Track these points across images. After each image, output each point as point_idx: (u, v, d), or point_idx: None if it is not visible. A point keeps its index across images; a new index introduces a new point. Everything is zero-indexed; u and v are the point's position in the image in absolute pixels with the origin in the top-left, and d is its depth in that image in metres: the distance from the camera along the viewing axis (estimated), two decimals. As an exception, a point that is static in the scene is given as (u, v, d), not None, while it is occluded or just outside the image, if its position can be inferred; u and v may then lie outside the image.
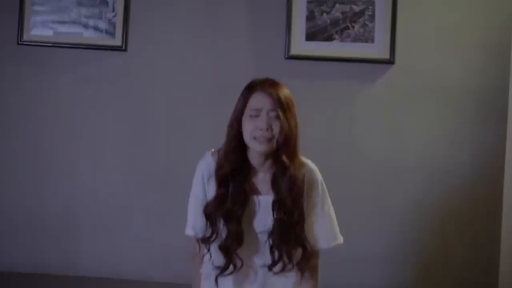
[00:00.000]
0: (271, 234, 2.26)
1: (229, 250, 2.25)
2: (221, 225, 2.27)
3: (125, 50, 3.62)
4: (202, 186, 2.37)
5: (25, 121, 3.64)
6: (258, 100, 2.18)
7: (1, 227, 3.66)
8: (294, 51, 3.59)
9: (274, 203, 2.24)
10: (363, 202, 3.62)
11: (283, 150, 2.21)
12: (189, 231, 2.42)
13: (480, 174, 3.62)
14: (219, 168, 2.28)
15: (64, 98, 3.64)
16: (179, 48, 3.64)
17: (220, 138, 3.57)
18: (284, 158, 2.21)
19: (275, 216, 2.24)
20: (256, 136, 2.17)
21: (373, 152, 3.62)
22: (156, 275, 3.58)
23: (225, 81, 3.62)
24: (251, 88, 2.23)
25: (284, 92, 2.25)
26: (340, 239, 2.48)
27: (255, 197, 2.28)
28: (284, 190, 2.22)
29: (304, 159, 2.35)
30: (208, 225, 2.31)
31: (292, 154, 2.23)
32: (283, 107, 2.19)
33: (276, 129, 2.18)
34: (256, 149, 2.19)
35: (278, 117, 2.17)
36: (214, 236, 2.29)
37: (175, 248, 3.61)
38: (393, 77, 3.61)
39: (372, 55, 3.58)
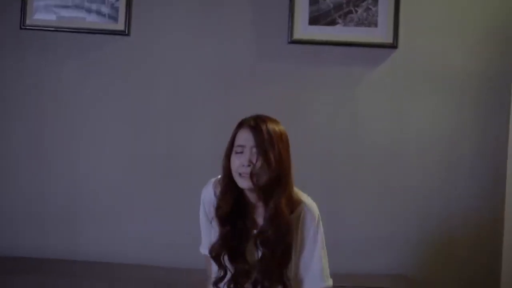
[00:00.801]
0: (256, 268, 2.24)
1: (237, 285, 2.25)
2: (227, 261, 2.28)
3: (128, 34, 3.61)
4: (204, 213, 2.40)
5: (28, 106, 3.64)
6: (242, 137, 2.19)
7: (4, 213, 3.67)
8: (297, 35, 3.58)
9: (256, 236, 2.22)
10: (366, 186, 3.63)
11: (266, 185, 2.17)
12: (203, 250, 2.45)
13: (483, 158, 3.62)
14: (218, 208, 2.28)
15: (66, 83, 3.64)
16: (182, 32, 3.64)
17: (222, 123, 3.60)
18: (266, 193, 2.18)
19: (259, 250, 2.24)
20: (241, 172, 2.16)
21: (376, 136, 3.63)
22: (158, 260, 3.58)
23: (228, 65, 3.62)
24: (238, 126, 2.24)
25: (270, 126, 2.22)
26: (329, 282, 2.39)
27: (255, 231, 2.27)
28: (266, 224, 2.19)
29: (302, 195, 2.31)
30: (217, 266, 2.30)
31: (280, 189, 2.20)
32: (264, 142, 2.16)
33: (258, 165, 2.15)
34: (241, 186, 2.18)
35: (259, 153, 2.14)
36: (225, 274, 2.29)
37: (177, 233, 3.63)
38: (396, 61, 3.61)
39: (375, 40, 3.58)
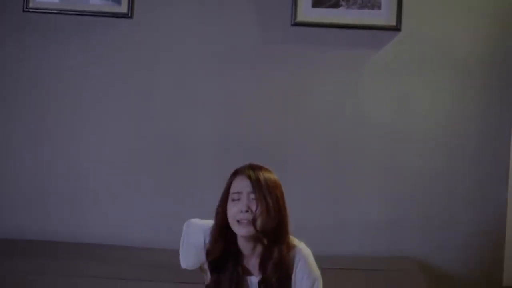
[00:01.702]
0: None
1: None
2: None
3: (131, 17, 3.60)
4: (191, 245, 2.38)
5: (30, 88, 3.64)
6: (239, 184, 2.18)
7: (8, 195, 3.68)
8: (300, 18, 3.57)
9: (259, 283, 2.23)
10: (369, 169, 3.64)
11: (267, 231, 2.17)
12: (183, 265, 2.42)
13: (487, 140, 3.62)
14: (209, 254, 2.27)
15: (69, 66, 3.63)
16: (185, 15, 3.63)
17: (226, 106, 3.60)
18: (267, 240, 2.19)
19: None
20: (239, 219, 2.16)
21: (380, 119, 3.62)
22: (162, 242, 3.59)
23: (231, 48, 3.61)
24: (234, 174, 2.23)
25: (266, 175, 2.22)
26: None
27: (247, 277, 2.26)
28: (270, 271, 2.19)
29: (296, 241, 2.30)
30: None
31: (278, 235, 2.20)
32: (262, 189, 2.16)
33: (258, 211, 2.15)
34: (239, 233, 2.18)
35: (257, 198, 2.15)
36: None
37: (181, 215, 3.63)
38: (399, 44, 3.60)
39: (378, 22, 3.56)
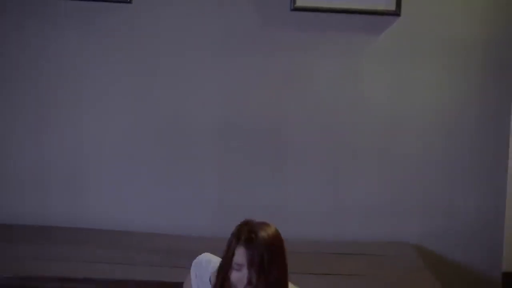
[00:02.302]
0: None
1: None
2: None
3: (130, 2, 3.58)
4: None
5: (29, 74, 3.62)
6: (241, 256, 2.15)
7: (9, 181, 3.68)
8: (299, 2, 3.55)
9: None
10: (368, 154, 3.64)
11: None
12: None
13: (486, 124, 3.62)
14: None
15: (68, 51, 3.62)
16: (184, 0, 3.61)
17: (226, 90, 3.59)
18: None
19: None
20: None
21: (379, 104, 3.62)
22: (162, 227, 3.61)
23: (231, 32, 3.60)
24: (236, 240, 2.18)
25: (269, 241, 2.16)
26: None
27: None
28: None
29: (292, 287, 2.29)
30: None
31: None
32: (265, 262, 2.12)
33: (256, 283, 2.13)
34: None
35: (257, 272, 2.13)
36: None
37: (181, 200, 3.65)
38: (399, 29, 3.58)
39: (378, 7, 3.55)
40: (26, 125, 3.65)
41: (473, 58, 3.59)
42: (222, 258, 2.24)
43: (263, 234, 2.15)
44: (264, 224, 2.18)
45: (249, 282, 2.13)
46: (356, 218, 3.65)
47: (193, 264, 2.40)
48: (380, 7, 3.54)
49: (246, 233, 2.16)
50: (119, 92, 3.64)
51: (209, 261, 2.36)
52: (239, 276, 2.15)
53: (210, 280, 2.31)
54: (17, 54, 3.62)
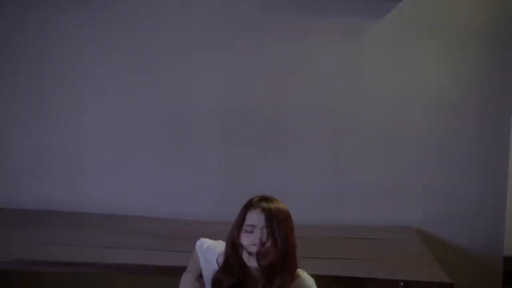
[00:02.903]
0: None
1: None
2: None
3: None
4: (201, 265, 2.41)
5: (31, 59, 3.63)
6: (253, 217, 2.22)
7: (10, 166, 3.69)
8: (301, -15, 3.54)
9: None
10: (371, 136, 3.64)
11: (272, 266, 2.22)
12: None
13: (488, 110, 3.60)
14: (218, 281, 2.30)
15: (70, 31, 3.62)
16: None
17: (227, 73, 3.58)
18: (271, 273, 2.23)
19: None
20: (251, 251, 2.21)
21: (381, 86, 3.61)
22: (163, 212, 3.62)
23: (232, 15, 3.59)
24: (248, 206, 2.27)
25: (281, 208, 2.25)
26: None
27: None
28: None
29: (300, 271, 2.32)
30: None
31: (286, 270, 2.24)
32: (275, 224, 2.20)
33: (268, 244, 2.20)
34: (249, 264, 2.23)
35: (269, 233, 2.20)
36: None
37: (182, 185, 3.65)
38: (400, 12, 3.56)
39: (380, -10, 3.53)
40: (28, 110, 3.66)
41: (474, 40, 3.57)
42: (232, 228, 2.27)
43: (273, 201, 2.26)
44: (274, 198, 2.28)
45: (261, 242, 2.19)
46: (357, 203, 3.65)
47: (198, 249, 2.43)
48: (383, -10, 3.53)
49: (259, 200, 2.25)
50: (120, 74, 3.64)
51: (213, 245, 2.41)
52: (251, 238, 2.20)
53: (217, 261, 2.34)
54: (17, 30, 3.61)
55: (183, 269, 2.46)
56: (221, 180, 3.66)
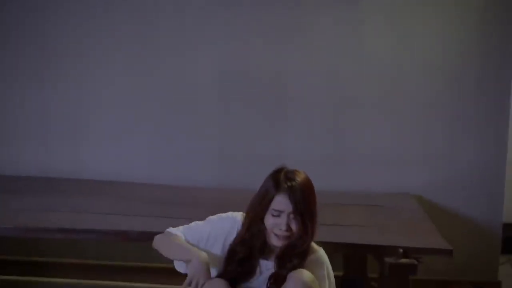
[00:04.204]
0: None
1: None
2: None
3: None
4: (218, 237, 2.35)
5: (32, 27, 3.62)
6: (281, 203, 2.22)
7: (11, 133, 3.70)
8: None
9: (272, 276, 2.28)
10: (369, 105, 3.63)
11: (299, 244, 2.25)
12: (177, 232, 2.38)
13: (488, 76, 3.59)
14: (234, 250, 2.29)
15: (71, 9, 3.62)
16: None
17: (226, 40, 3.56)
18: (298, 251, 2.25)
19: (268, 285, 2.29)
20: (276, 233, 2.23)
21: (382, 55, 3.60)
22: (163, 178, 3.62)
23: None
24: (276, 187, 2.23)
25: (305, 185, 2.25)
26: None
27: (261, 260, 2.31)
28: (288, 270, 2.24)
29: (315, 246, 2.33)
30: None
31: (307, 246, 2.27)
32: (302, 208, 2.22)
33: (294, 229, 2.22)
34: (273, 243, 2.25)
35: (297, 220, 2.22)
36: None
37: (182, 152, 3.65)
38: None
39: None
40: (29, 77, 3.66)
41: (474, 9, 3.55)
42: (254, 205, 2.27)
43: (300, 181, 2.24)
44: (297, 171, 2.27)
45: (289, 227, 2.21)
46: (357, 170, 3.65)
47: (230, 217, 2.38)
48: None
49: (285, 181, 2.23)
50: (121, 47, 3.64)
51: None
52: (276, 221, 2.22)
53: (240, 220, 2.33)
54: (16, 14, 3.62)
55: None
56: (221, 147, 3.66)
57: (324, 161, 3.63)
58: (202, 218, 2.37)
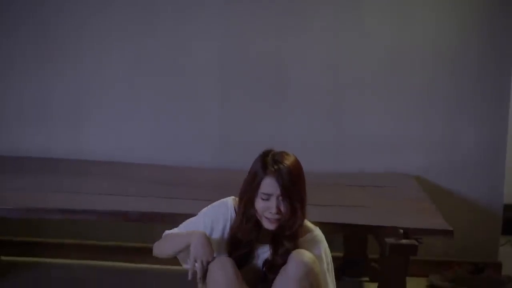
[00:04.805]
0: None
1: None
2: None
3: None
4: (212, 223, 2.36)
5: (32, 8, 3.61)
6: (268, 186, 2.22)
7: (11, 114, 3.70)
8: None
9: (266, 261, 2.30)
10: (370, 86, 3.62)
11: (289, 226, 2.25)
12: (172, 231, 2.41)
13: (489, 58, 3.58)
14: (231, 239, 2.31)
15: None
16: None
17: (225, 27, 3.54)
18: (287, 233, 2.26)
19: (264, 270, 2.30)
20: (267, 216, 2.23)
21: (381, 37, 3.59)
22: (163, 160, 3.62)
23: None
24: (263, 171, 2.23)
25: (292, 167, 2.24)
26: None
27: (256, 244, 2.32)
28: (280, 255, 2.26)
29: (311, 225, 2.35)
30: None
31: (297, 228, 2.27)
32: (290, 190, 2.22)
33: (283, 211, 2.22)
34: (266, 227, 2.26)
35: (285, 202, 2.22)
36: None
37: (182, 133, 3.64)
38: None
39: None
40: (28, 58, 3.66)
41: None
42: (245, 188, 2.28)
43: (287, 163, 2.23)
44: (285, 154, 2.27)
45: (279, 210, 2.21)
46: (356, 151, 3.65)
47: (222, 203, 2.38)
48: None
49: (273, 164, 2.23)
50: (121, 27, 3.62)
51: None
52: (266, 204, 2.23)
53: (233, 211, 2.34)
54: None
55: (184, 216, 2.45)
56: (221, 130, 3.66)
57: (323, 143, 3.63)
58: (202, 198, 2.38)
